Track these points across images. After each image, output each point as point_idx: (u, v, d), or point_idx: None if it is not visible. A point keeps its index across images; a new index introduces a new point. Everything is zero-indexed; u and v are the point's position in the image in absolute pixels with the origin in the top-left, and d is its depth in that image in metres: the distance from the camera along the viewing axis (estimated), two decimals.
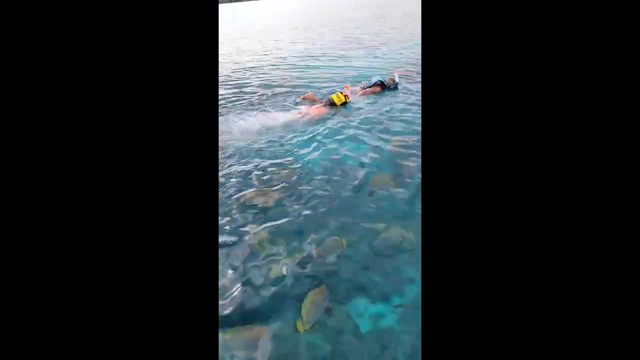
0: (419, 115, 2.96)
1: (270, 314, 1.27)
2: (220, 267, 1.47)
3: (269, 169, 2.27)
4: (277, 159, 2.41)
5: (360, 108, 3.28)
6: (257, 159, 2.41)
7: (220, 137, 2.73)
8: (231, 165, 2.34)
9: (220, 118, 3.14)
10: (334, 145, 2.55)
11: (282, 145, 2.62)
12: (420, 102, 3.31)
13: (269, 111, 3.39)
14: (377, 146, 2.49)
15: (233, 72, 5.54)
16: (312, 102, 3.50)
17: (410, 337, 1.15)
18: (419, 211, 1.74)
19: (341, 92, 3.41)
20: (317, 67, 5.45)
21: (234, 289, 1.38)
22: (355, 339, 1.17)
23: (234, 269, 1.48)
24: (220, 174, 2.23)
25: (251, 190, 2.04)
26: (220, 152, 2.50)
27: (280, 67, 5.73)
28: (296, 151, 2.50)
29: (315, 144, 2.58)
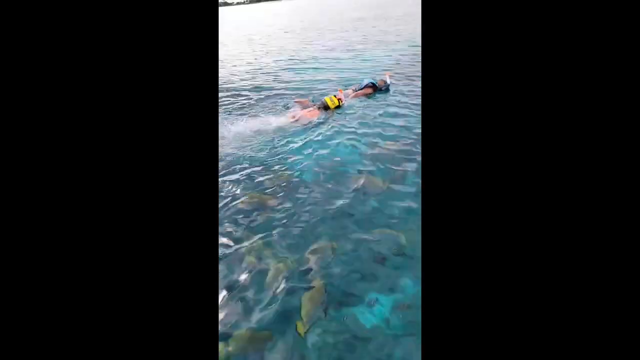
0: (413, 118, 2.96)
1: (268, 320, 1.25)
2: None
3: (262, 175, 2.23)
4: (269, 165, 2.37)
5: (353, 112, 3.27)
6: (249, 165, 2.37)
7: None
8: (222, 172, 2.30)
9: None
10: (327, 150, 2.52)
11: (274, 149, 2.59)
12: (412, 103, 3.32)
13: (261, 115, 3.34)
14: (370, 150, 2.47)
15: (224, 76, 5.49)
16: (305, 106, 3.46)
17: (410, 338, 1.15)
18: (414, 215, 1.73)
19: (335, 96, 3.40)
20: (309, 70, 5.45)
21: (230, 296, 1.35)
22: (355, 339, 1.16)
23: (227, 276, 1.45)
24: None
25: (244, 197, 2.00)
26: None
27: (271, 70, 5.71)
28: (289, 157, 2.46)
29: (309, 150, 2.54)
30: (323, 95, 3.63)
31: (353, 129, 2.84)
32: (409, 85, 3.99)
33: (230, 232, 1.71)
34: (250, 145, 2.67)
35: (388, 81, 3.89)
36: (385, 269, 1.43)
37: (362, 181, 2.06)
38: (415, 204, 1.80)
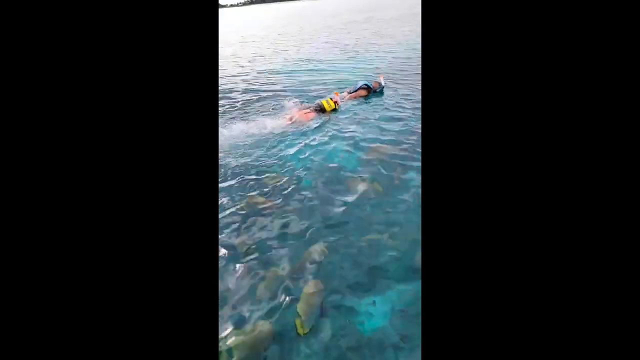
0: (410, 121, 2.97)
1: (267, 322, 1.25)
2: None
3: (257, 181, 2.21)
4: (265, 170, 2.35)
5: (349, 115, 3.27)
6: (244, 170, 2.35)
7: None
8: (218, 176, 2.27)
9: None
10: (323, 155, 2.51)
11: (270, 154, 2.57)
12: (408, 107, 3.33)
13: (257, 119, 3.32)
14: (367, 155, 2.46)
15: (219, 79, 5.46)
16: (301, 109, 3.45)
17: (409, 341, 1.15)
18: (411, 219, 1.73)
19: (331, 99, 3.39)
20: (303, 72, 5.45)
21: (227, 300, 1.35)
22: (355, 340, 1.17)
23: (224, 280, 1.44)
24: None
25: (240, 202, 1.98)
26: None
27: (266, 73, 5.70)
28: (285, 162, 2.45)
29: (305, 155, 2.53)
30: (318, 98, 3.62)
31: (349, 133, 2.83)
32: (403, 87, 4.01)
33: (226, 237, 1.69)
34: (245, 150, 2.65)
35: (382, 83, 3.91)
36: (383, 273, 1.43)
37: (359, 186, 2.05)
38: (413, 209, 1.80)
